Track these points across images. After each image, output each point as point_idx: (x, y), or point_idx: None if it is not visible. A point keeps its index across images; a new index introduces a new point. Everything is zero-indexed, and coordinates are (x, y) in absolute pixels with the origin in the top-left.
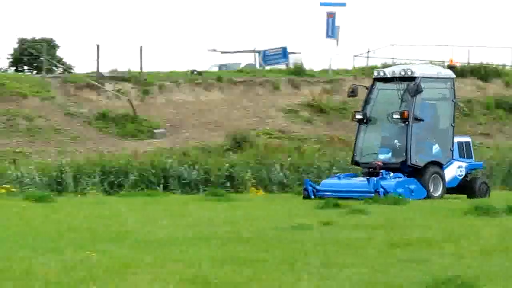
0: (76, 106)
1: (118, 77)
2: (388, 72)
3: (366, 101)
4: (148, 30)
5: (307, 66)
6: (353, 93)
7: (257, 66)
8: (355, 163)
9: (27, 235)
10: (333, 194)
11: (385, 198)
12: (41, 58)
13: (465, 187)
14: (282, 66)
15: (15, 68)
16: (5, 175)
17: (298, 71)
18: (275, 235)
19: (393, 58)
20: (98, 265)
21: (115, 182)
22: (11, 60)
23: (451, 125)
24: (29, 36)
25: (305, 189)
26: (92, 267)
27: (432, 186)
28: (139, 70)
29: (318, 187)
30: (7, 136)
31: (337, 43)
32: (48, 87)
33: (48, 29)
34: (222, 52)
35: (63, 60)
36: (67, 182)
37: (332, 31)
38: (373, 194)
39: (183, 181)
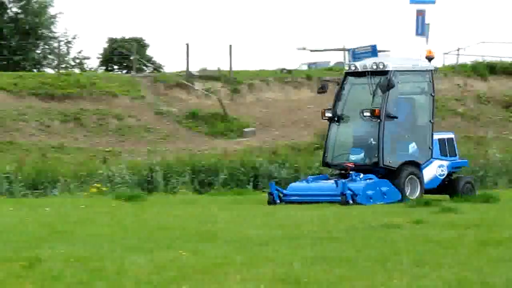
0: (166, 105)
1: (207, 76)
2: (360, 66)
3: (337, 98)
4: (238, 28)
5: None
6: (322, 89)
7: None
8: (326, 164)
9: (118, 234)
10: (300, 198)
11: (464, 197)
12: (131, 57)
13: (447, 187)
14: None
15: (105, 67)
16: (96, 174)
17: None
18: (366, 234)
19: (483, 56)
20: (189, 265)
21: (205, 181)
22: (101, 59)
23: (430, 121)
24: (119, 36)
25: (270, 193)
26: (183, 266)
27: (408, 187)
28: (228, 69)
29: (285, 191)
30: (98, 135)
31: (427, 41)
32: (138, 86)
33: (138, 28)
34: (311, 51)
35: (153, 59)
36: (157, 181)
37: (421, 29)
38: (339, 198)
39: (273, 180)
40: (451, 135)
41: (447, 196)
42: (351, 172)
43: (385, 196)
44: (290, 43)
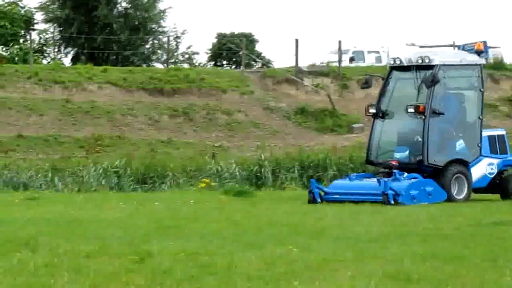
0: (275, 101)
1: (316, 72)
2: (405, 60)
3: (382, 93)
4: (347, 24)
5: (507, 61)
6: (366, 84)
7: None
8: (370, 162)
9: (228, 230)
10: (342, 197)
11: None
12: (240, 52)
13: (497, 186)
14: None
15: (214, 63)
16: (205, 169)
17: (498, 65)
18: (476, 231)
19: None
20: (299, 261)
21: (314, 176)
22: (210, 55)
23: (479, 117)
24: (228, 31)
25: (311, 192)
26: (293, 262)
27: (456, 186)
28: (337, 64)
29: (326, 190)
30: (207, 130)
31: None
32: (247, 81)
33: (247, 23)
34: (420, 47)
35: (262, 54)
36: (266, 177)
37: None
38: (381, 197)
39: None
40: (502, 132)
41: (498, 196)
42: (394, 170)
43: (430, 196)
44: (400, 39)
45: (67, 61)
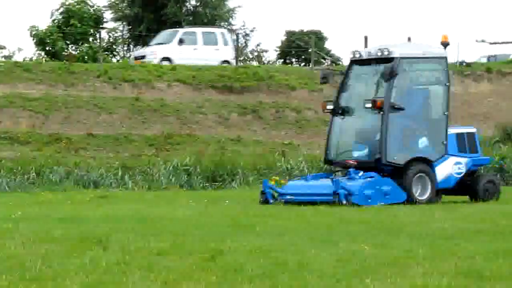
0: None
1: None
2: (365, 53)
3: (341, 88)
4: (416, 21)
5: None
6: (325, 79)
7: None
8: (328, 162)
9: (299, 227)
10: (296, 198)
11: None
12: (309, 50)
13: (466, 187)
14: None
15: (283, 60)
16: (274, 167)
17: None
18: None
19: None
20: (372, 258)
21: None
22: (279, 52)
23: (445, 113)
24: (297, 29)
25: (263, 192)
26: (366, 259)
27: (418, 187)
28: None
29: (280, 190)
30: (276, 128)
31: None
32: (316, 79)
33: (316, 21)
34: (491, 43)
35: (331, 52)
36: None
37: None
38: (330, 197)
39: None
40: (472, 130)
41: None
42: (350, 169)
43: (387, 196)
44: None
45: None
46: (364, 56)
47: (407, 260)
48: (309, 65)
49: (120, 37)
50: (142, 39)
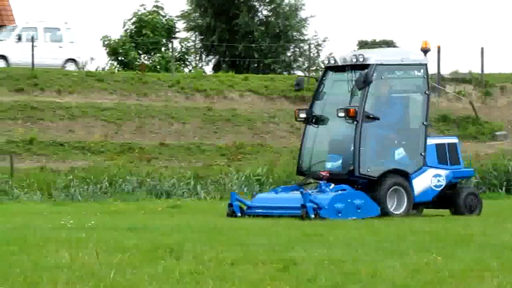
0: None
1: (459, 79)
2: (339, 59)
3: (315, 96)
4: (490, 30)
5: None
6: (298, 86)
7: None
8: (301, 173)
9: (369, 237)
10: (264, 211)
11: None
12: None
13: (446, 200)
14: None
15: None
16: None
17: None
18: None
19: None
20: (444, 269)
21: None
22: None
23: (423, 123)
24: (369, 38)
25: (230, 205)
26: (438, 270)
27: (394, 200)
28: (480, 71)
29: (248, 203)
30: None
31: None
32: None
33: (388, 30)
34: None
35: None
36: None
37: None
38: (299, 211)
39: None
40: (454, 140)
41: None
42: (321, 182)
43: (359, 210)
44: None
45: (208, 69)
46: (339, 62)
47: (479, 272)
48: None
49: (192, 47)
50: (214, 49)
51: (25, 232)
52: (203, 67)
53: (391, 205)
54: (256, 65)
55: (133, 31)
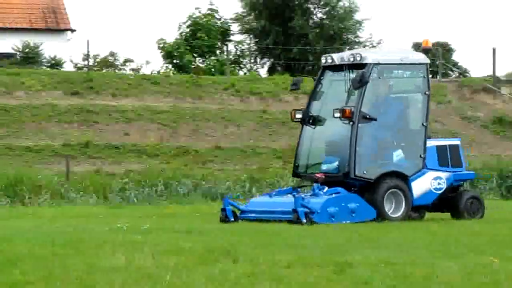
0: (472, 110)
1: None
2: (337, 58)
3: (312, 96)
4: None
5: None
6: (295, 86)
7: None
8: (297, 175)
9: (425, 239)
10: (258, 215)
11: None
12: (437, 62)
13: (447, 203)
14: None
15: None
16: None
17: None
18: None
19: None
20: (500, 271)
21: None
22: None
23: (423, 124)
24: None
25: (223, 209)
26: (495, 273)
27: (392, 203)
28: None
29: (242, 207)
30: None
31: None
32: (444, 91)
33: (443, 33)
34: None
35: (459, 64)
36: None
37: None
38: (291, 216)
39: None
40: (456, 142)
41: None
42: (314, 185)
43: (354, 214)
44: None
45: (263, 71)
46: (337, 62)
47: None
48: (436, 77)
49: (247, 50)
50: (269, 52)
51: (81, 235)
52: (258, 69)
53: (389, 209)
54: (311, 67)
55: (188, 34)
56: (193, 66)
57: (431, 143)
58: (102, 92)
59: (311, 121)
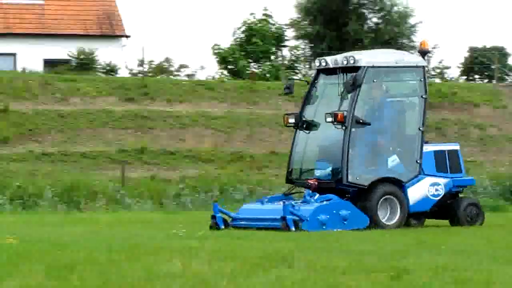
0: None
1: None
2: (331, 61)
3: (306, 100)
4: None
5: None
6: (288, 90)
7: None
8: (290, 181)
9: (484, 246)
10: (249, 223)
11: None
12: (492, 66)
13: (445, 210)
14: None
15: (466, 77)
16: None
17: None
18: None
19: None
20: None
21: None
22: (462, 69)
23: (420, 129)
24: (480, 45)
25: (213, 217)
26: None
27: (387, 210)
28: None
29: (232, 215)
30: (460, 144)
31: None
32: (500, 95)
33: (499, 37)
34: None
35: None
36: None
37: None
38: (279, 223)
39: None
40: (455, 147)
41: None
42: (305, 191)
43: (345, 222)
44: None
45: None
46: (331, 65)
47: None
48: (492, 81)
49: (302, 55)
50: None
51: (137, 241)
52: (313, 75)
53: (383, 216)
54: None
55: (242, 40)
56: (248, 72)
57: (429, 148)
58: (157, 98)
59: (304, 125)
